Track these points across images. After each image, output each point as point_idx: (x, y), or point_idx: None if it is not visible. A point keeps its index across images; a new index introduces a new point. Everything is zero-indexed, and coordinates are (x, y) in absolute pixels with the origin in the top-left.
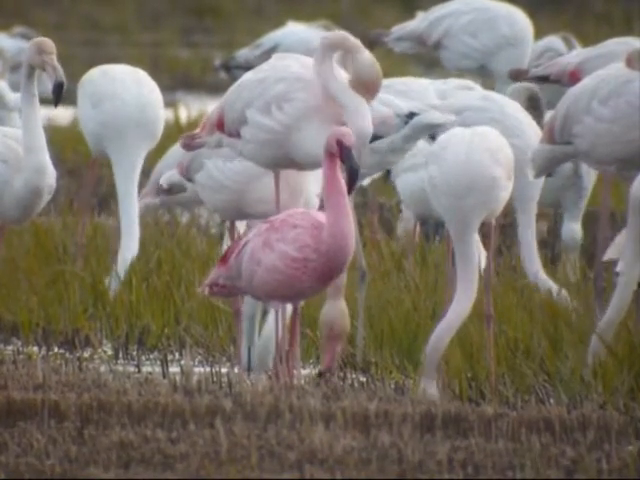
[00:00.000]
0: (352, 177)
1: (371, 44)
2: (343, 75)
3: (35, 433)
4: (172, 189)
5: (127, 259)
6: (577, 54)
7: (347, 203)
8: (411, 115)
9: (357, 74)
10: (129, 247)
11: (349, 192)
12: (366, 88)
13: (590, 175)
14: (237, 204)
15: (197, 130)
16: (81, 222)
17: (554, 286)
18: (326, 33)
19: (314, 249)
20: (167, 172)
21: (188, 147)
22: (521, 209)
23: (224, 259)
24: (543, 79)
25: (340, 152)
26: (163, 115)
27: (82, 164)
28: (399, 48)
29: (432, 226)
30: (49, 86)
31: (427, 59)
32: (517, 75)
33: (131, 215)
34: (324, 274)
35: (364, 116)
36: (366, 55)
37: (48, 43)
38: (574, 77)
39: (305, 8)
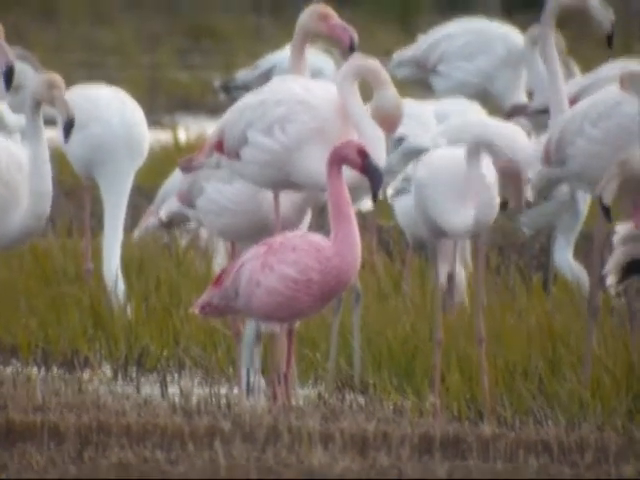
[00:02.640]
0: (378, 183)
1: None
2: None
3: (34, 454)
4: (173, 221)
5: (113, 279)
6: (574, 83)
7: (354, 219)
8: (401, 139)
9: (380, 109)
10: (111, 265)
11: (374, 200)
12: (385, 124)
13: (586, 200)
14: (240, 225)
15: (196, 153)
16: (85, 247)
17: None
18: (359, 56)
19: (319, 270)
20: (166, 203)
21: (186, 170)
22: None
23: (218, 280)
24: (544, 112)
25: (363, 161)
26: (147, 133)
27: (80, 186)
28: (400, 74)
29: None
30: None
31: (424, 84)
32: (517, 111)
33: (116, 236)
34: (329, 293)
35: (380, 147)
36: (392, 92)
37: (58, 78)
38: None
39: None
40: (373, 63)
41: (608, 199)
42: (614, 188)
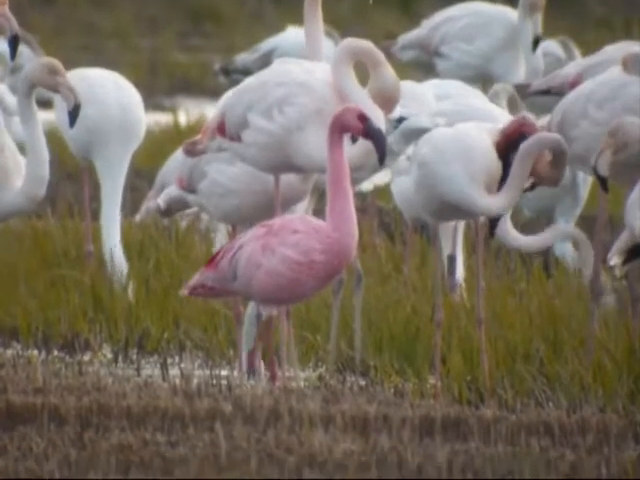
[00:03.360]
0: (383, 145)
1: None
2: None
3: (35, 437)
4: (171, 208)
5: (119, 259)
6: (576, 64)
7: (351, 193)
8: (400, 119)
9: (379, 89)
10: (110, 246)
11: (381, 163)
12: (385, 103)
13: (586, 184)
14: (246, 206)
15: (199, 136)
16: (85, 229)
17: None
18: (352, 39)
19: (322, 250)
20: (165, 191)
21: (191, 154)
22: None
23: (213, 261)
24: (545, 93)
25: (364, 125)
26: (144, 116)
27: (80, 167)
28: (405, 57)
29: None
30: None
31: (428, 66)
32: (518, 91)
33: (114, 217)
34: (332, 271)
35: (381, 128)
36: (390, 71)
37: (57, 63)
38: (575, 87)
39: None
40: (366, 44)
41: (603, 169)
42: (608, 157)
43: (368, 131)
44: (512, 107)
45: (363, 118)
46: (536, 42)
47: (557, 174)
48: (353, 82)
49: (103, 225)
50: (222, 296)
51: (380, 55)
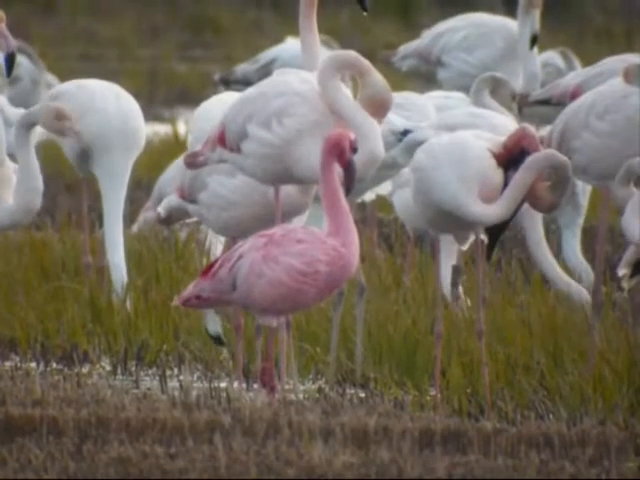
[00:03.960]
0: (353, 178)
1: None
2: (349, 94)
3: (33, 449)
4: (171, 217)
5: (121, 271)
6: (577, 75)
7: (347, 207)
8: (405, 132)
9: (370, 96)
10: (115, 257)
11: (347, 194)
12: (378, 109)
13: (585, 193)
14: (246, 217)
15: (199, 148)
16: (83, 241)
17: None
18: (335, 51)
19: (327, 262)
20: (165, 199)
21: (192, 166)
22: (528, 215)
23: (209, 272)
24: (545, 102)
25: (351, 155)
26: (144, 125)
27: (79, 178)
28: (405, 66)
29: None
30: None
31: (428, 76)
32: (518, 101)
33: (118, 227)
34: (333, 284)
35: (377, 138)
36: (378, 77)
37: (64, 109)
38: (575, 97)
39: None
40: (349, 54)
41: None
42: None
43: (351, 162)
44: (498, 94)
45: (354, 148)
46: (534, 40)
47: (554, 200)
48: (343, 95)
49: (106, 238)
50: (216, 306)
51: (366, 63)
